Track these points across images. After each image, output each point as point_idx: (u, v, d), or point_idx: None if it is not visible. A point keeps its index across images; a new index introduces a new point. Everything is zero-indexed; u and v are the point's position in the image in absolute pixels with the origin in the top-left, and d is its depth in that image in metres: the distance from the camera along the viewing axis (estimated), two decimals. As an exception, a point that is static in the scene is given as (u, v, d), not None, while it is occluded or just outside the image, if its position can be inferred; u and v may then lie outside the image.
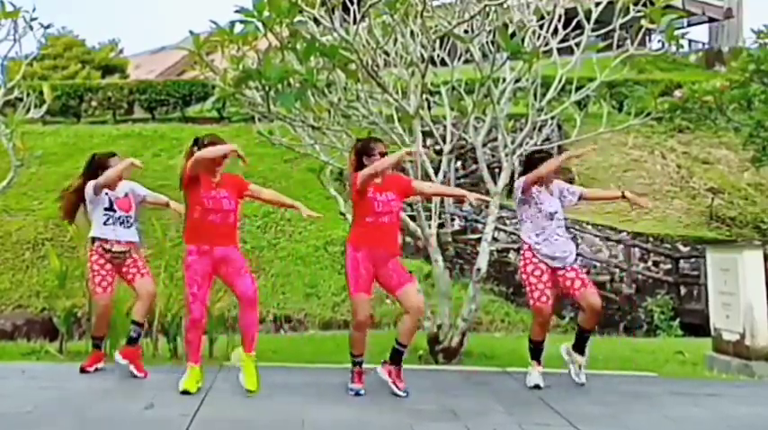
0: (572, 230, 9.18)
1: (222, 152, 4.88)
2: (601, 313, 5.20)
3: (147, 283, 5.43)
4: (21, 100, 8.05)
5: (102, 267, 5.36)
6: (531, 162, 5.33)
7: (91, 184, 5.39)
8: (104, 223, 5.38)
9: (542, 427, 4.24)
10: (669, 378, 6.17)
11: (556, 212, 5.19)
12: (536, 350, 5.30)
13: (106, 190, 5.40)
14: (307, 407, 4.48)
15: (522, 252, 5.28)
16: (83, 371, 5.41)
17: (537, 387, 5.14)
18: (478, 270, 6.58)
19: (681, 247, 13.46)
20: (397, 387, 4.83)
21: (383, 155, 4.87)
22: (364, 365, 4.93)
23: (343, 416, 4.34)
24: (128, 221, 5.47)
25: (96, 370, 5.48)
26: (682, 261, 12.99)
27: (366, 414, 4.40)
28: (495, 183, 6.75)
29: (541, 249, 5.13)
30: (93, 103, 21.35)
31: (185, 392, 4.74)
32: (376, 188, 4.83)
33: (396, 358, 4.89)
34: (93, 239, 5.39)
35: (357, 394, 4.86)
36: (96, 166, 5.45)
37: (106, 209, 5.39)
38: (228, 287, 5.07)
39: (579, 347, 5.35)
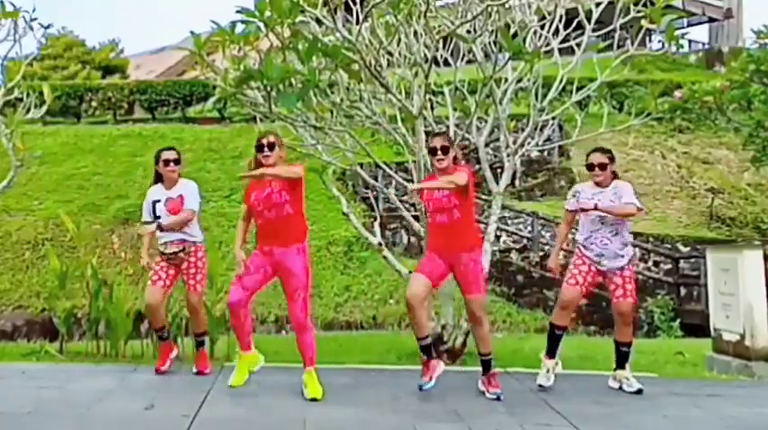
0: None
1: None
2: (628, 323, 5.15)
3: (192, 298, 5.42)
4: (21, 100, 8.04)
5: (157, 263, 5.38)
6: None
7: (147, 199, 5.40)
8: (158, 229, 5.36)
9: (543, 427, 4.24)
10: (669, 378, 6.17)
11: (605, 216, 5.06)
12: (553, 338, 5.20)
13: (154, 199, 5.37)
14: (308, 408, 4.48)
15: (575, 251, 5.26)
16: (158, 372, 5.39)
17: (541, 387, 5.12)
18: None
19: (681, 247, 13.48)
20: (488, 391, 4.85)
21: (433, 150, 4.77)
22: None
23: (344, 417, 4.34)
24: (166, 220, 5.32)
25: (171, 363, 5.49)
26: (682, 261, 13.00)
27: (368, 414, 4.40)
28: (497, 183, 6.74)
29: (588, 251, 5.10)
30: (94, 104, 21.38)
31: (231, 387, 4.77)
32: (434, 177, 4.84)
33: (486, 368, 4.92)
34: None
35: (421, 388, 4.77)
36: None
37: (155, 217, 5.32)
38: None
39: (620, 363, 5.27)
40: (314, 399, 4.64)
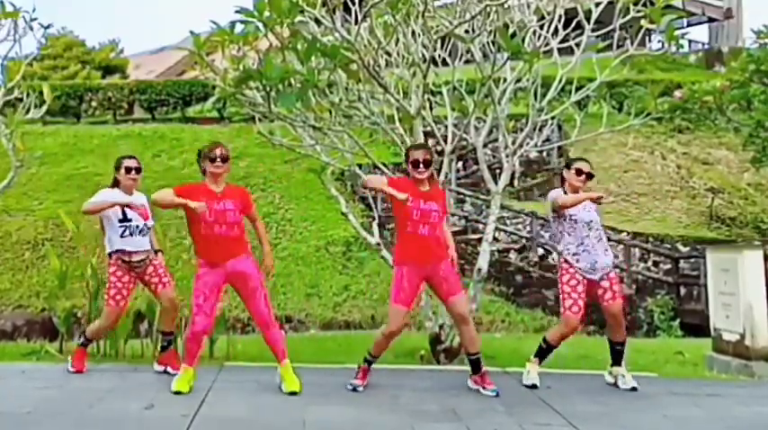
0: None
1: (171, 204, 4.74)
2: (621, 323, 5.16)
3: (168, 292, 5.40)
4: (21, 100, 8.03)
5: (119, 279, 5.30)
6: (567, 164, 5.32)
7: (98, 196, 5.36)
8: (122, 235, 5.29)
9: (543, 427, 4.24)
10: (669, 378, 6.17)
11: (592, 221, 5.08)
12: (545, 351, 5.26)
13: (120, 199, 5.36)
14: (307, 408, 4.48)
15: (559, 262, 5.20)
16: (77, 372, 5.40)
17: (534, 386, 5.14)
18: (479, 270, 6.58)
19: (681, 247, 13.47)
20: (485, 388, 4.92)
21: (416, 162, 4.82)
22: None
23: (343, 417, 4.34)
24: (146, 229, 5.39)
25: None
26: (682, 261, 13.00)
27: (367, 414, 4.40)
28: (496, 183, 6.75)
29: (579, 261, 5.05)
30: (94, 104, 21.37)
31: (178, 393, 4.73)
32: (419, 195, 4.78)
33: (475, 368, 4.98)
34: (111, 254, 5.34)
35: (354, 389, 4.90)
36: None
37: (121, 220, 5.30)
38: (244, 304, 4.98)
39: (616, 361, 5.28)
40: (293, 393, 4.71)
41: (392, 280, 4.91)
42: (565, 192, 5.15)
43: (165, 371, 5.35)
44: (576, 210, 5.08)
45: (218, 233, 4.71)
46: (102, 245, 5.51)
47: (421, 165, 4.80)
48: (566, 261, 5.09)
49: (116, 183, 5.43)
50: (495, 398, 4.81)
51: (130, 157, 5.51)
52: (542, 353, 5.28)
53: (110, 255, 5.34)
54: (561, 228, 5.15)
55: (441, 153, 7.17)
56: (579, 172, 5.13)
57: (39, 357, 6.47)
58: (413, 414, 4.39)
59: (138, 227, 5.32)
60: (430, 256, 4.80)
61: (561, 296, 5.12)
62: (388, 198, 4.92)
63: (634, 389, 5.12)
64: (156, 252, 5.51)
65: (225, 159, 4.82)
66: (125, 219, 5.29)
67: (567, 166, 5.25)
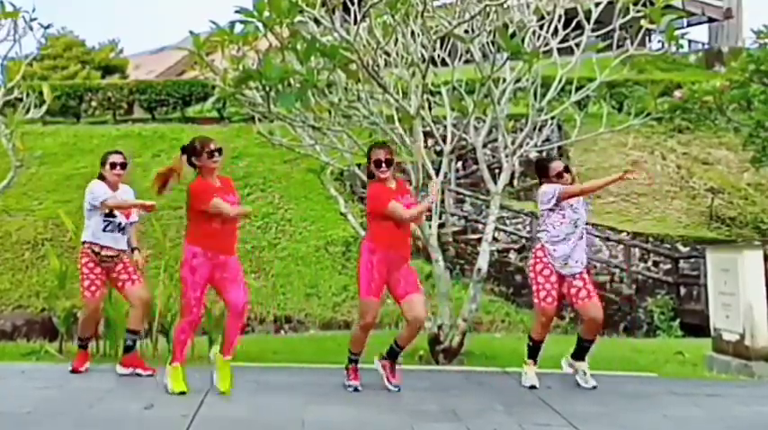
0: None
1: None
2: (601, 325, 5.19)
3: (137, 290, 5.41)
4: (21, 100, 8.04)
5: (91, 271, 5.35)
6: (540, 167, 5.36)
7: (102, 188, 5.36)
8: (104, 229, 5.35)
9: (542, 427, 4.24)
10: (669, 378, 6.17)
11: (578, 219, 5.15)
12: (534, 349, 5.33)
13: (110, 193, 5.39)
14: (307, 408, 4.49)
15: (533, 250, 5.29)
16: (74, 371, 5.42)
17: (533, 387, 5.17)
18: (479, 270, 6.58)
19: (681, 247, 13.46)
20: (389, 381, 4.99)
21: (378, 162, 4.91)
22: (363, 365, 5.00)
23: (343, 417, 4.34)
24: (128, 228, 5.45)
25: (86, 370, 5.49)
26: (682, 261, 12.99)
27: (366, 414, 4.40)
28: (496, 183, 6.74)
29: (555, 251, 5.12)
30: (93, 104, 21.35)
31: (182, 393, 4.73)
32: (393, 193, 4.91)
33: (392, 355, 5.07)
34: (84, 242, 5.38)
35: (355, 390, 4.92)
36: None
37: (107, 214, 5.35)
38: (218, 293, 4.94)
39: (579, 355, 5.33)
40: (223, 393, 4.73)
41: (360, 273, 4.95)
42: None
43: (137, 374, 5.34)
44: (565, 206, 5.16)
45: (228, 227, 4.80)
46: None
47: (383, 165, 4.91)
48: (541, 248, 5.19)
49: (102, 178, 5.47)
50: (495, 398, 4.81)
51: (116, 152, 5.60)
52: (532, 351, 5.33)
53: (83, 243, 5.38)
54: (549, 220, 5.21)
55: (440, 153, 7.18)
56: (559, 175, 5.21)
57: (39, 357, 6.48)
58: (412, 414, 4.39)
59: (120, 224, 5.38)
60: (402, 248, 4.92)
61: (534, 287, 5.20)
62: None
63: (594, 387, 5.19)
64: (132, 250, 5.52)
65: (221, 152, 4.88)
66: (111, 214, 5.35)
67: (546, 174, 5.26)
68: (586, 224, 5.35)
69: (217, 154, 4.81)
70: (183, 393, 4.72)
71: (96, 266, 5.36)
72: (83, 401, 4.56)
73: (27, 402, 4.48)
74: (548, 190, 5.20)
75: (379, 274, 4.86)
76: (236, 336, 4.92)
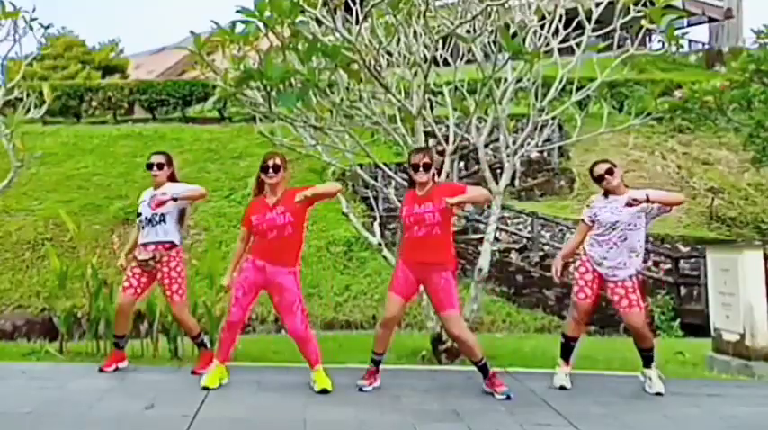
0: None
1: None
2: (643, 334, 5.11)
3: (172, 309, 5.53)
4: (21, 100, 8.04)
5: (131, 269, 5.45)
6: (590, 170, 5.29)
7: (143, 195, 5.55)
8: (141, 230, 5.46)
9: (543, 427, 4.24)
10: (669, 378, 6.16)
11: (617, 222, 5.03)
12: (567, 347, 5.29)
13: (142, 200, 5.50)
14: (308, 407, 4.48)
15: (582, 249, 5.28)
16: (101, 371, 5.41)
17: (563, 388, 5.15)
18: (480, 270, 6.58)
19: (681, 247, 13.47)
20: (496, 392, 4.85)
21: (415, 166, 4.87)
22: (362, 365, 4.99)
23: (344, 417, 4.33)
24: (155, 220, 5.39)
25: (117, 369, 5.49)
26: (682, 261, 12.99)
27: (368, 414, 4.39)
28: (497, 183, 6.74)
29: (592, 248, 5.13)
30: (94, 104, 21.37)
31: (205, 388, 4.79)
32: (414, 200, 4.88)
33: (483, 372, 4.94)
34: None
35: (360, 389, 4.91)
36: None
37: (138, 214, 5.49)
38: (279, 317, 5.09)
39: (644, 363, 5.25)
40: (324, 391, 4.80)
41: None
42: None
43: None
44: (599, 211, 5.12)
45: (269, 240, 4.84)
46: (102, 245, 5.53)
47: (420, 169, 4.86)
48: (583, 248, 5.21)
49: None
50: (497, 399, 4.80)
51: (156, 154, 5.68)
52: (564, 350, 5.29)
53: None
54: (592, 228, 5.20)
55: (442, 153, 7.18)
56: (599, 178, 5.14)
57: (39, 357, 6.47)
58: (414, 414, 4.39)
59: (147, 218, 5.41)
60: (422, 256, 4.83)
61: (574, 284, 5.22)
62: None
63: (659, 394, 5.08)
64: (173, 246, 5.43)
65: (276, 169, 4.93)
66: (139, 213, 5.48)
67: (593, 177, 5.24)
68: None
69: (271, 170, 4.93)
70: (206, 388, 4.79)
71: (136, 266, 5.40)
72: (83, 401, 4.56)
73: (27, 402, 4.48)
74: (588, 208, 5.22)
75: (403, 274, 4.90)
76: (311, 354, 4.95)
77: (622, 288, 5.03)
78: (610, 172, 5.10)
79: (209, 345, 5.70)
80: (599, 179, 5.15)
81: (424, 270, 4.83)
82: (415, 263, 4.85)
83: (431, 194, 4.85)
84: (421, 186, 4.89)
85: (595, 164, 5.27)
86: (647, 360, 5.21)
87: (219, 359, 5.00)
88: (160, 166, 5.51)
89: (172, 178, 5.56)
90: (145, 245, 5.38)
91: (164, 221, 5.39)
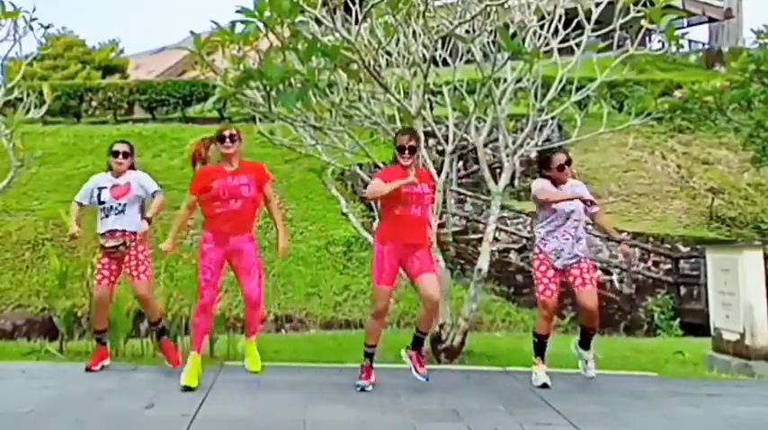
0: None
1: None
2: (595, 314, 5.21)
3: (136, 286, 5.48)
4: (21, 100, 8.05)
5: (99, 261, 5.51)
6: (543, 159, 5.37)
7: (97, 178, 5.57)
8: (101, 218, 5.49)
9: (543, 427, 4.24)
10: (669, 378, 6.17)
11: (573, 211, 5.17)
12: (540, 345, 5.34)
13: (99, 185, 5.50)
14: (308, 407, 4.48)
15: (533, 250, 5.36)
16: (88, 370, 5.43)
17: (545, 386, 5.17)
18: (479, 270, 6.58)
19: (681, 247, 13.47)
20: (417, 370, 5.00)
21: (402, 148, 4.87)
22: (358, 364, 5.01)
23: (344, 416, 4.34)
24: (119, 208, 5.44)
25: (102, 368, 5.51)
26: (682, 261, 13.00)
27: (368, 413, 4.40)
28: (497, 183, 6.75)
29: (546, 245, 5.19)
30: (94, 104, 21.34)
31: (187, 388, 4.76)
32: (394, 175, 4.86)
33: (416, 343, 5.06)
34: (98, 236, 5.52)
35: (362, 390, 4.91)
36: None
37: (99, 203, 5.50)
38: (237, 280, 5.16)
39: (583, 344, 5.42)
40: (255, 373, 4.95)
41: (374, 261, 4.97)
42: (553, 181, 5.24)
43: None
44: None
45: (232, 208, 4.91)
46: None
47: (406, 151, 4.87)
48: (536, 245, 5.28)
49: (109, 168, 5.63)
50: (496, 397, 4.81)
51: (120, 142, 5.71)
52: (538, 348, 5.35)
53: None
54: (543, 214, 5.27)
55: (441, 153, 7.19)
56: (561, 167, 5.21)
57: (39, 357, 6.48)
58: (414, 413, 4.39)
59: (111, 207, 5.44)
60: (415, 237, 4.86)
61: (535, 281, 5.27)
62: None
63: (591, 378, 5.32)
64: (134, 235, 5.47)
65: (233, 139, 5.03)
66: (101, 202, 5.49)
67: (547, 166, 5.28)
68: (587, 224, 5.37)
69: (228, 140, 5.00)
70: (188, 389, 4.75)
71: (104, 257, 5.45)
72: (83, 401, 4.56)
73: (27, 402, 4.48)
74: (536, 186, 5.25)
75: (389, 265, 4.88)
76: (256, 323, 5.20)
77: (577, 268, 5.15)
78: (569, 162, 5.25)
79: (168, 336, 5.79)
80: (560, 169, 5.22)
81: (410, 248, 4.86)
82: (406, 242, 4.84)
83: (421, 176, 4.93)
84: (408, 167, 4.91)
85: (553, 152, 5.40)
86: (587, 339, 5.35)
87: (195, 348, 5.00)
88: (125, 155, 5.57)
89: (131, 167, 5.64)
90: (112, 232, 5.42)
91: (127, 211, 5.47)
